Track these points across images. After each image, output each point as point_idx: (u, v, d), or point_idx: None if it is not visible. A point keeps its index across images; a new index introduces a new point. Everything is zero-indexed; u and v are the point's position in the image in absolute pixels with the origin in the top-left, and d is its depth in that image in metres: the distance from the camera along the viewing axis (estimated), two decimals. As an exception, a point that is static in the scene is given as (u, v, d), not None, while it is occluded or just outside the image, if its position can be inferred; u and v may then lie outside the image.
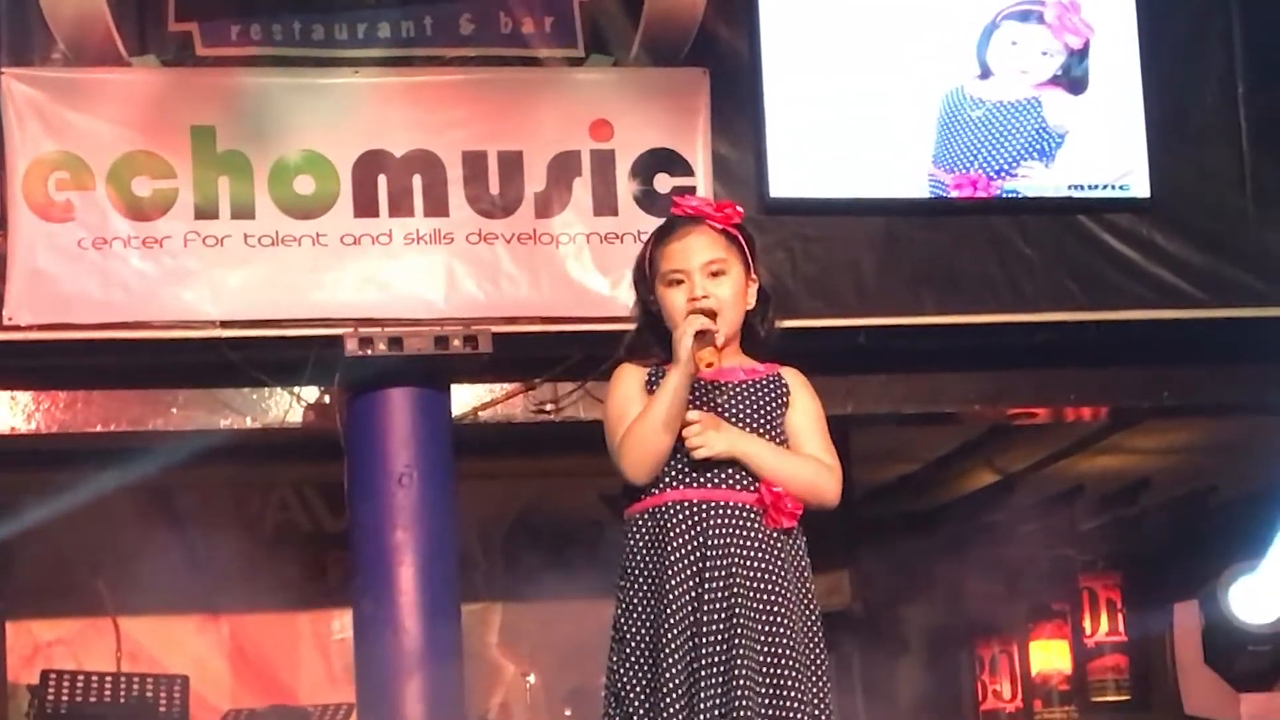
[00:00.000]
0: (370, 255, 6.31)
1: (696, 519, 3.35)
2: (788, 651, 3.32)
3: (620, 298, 5.99)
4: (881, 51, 6.65)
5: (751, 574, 3.33)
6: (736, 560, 3.33)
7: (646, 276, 3.48)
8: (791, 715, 3.29)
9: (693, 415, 3.34)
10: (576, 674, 8.25)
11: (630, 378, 3.45)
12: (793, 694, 3.30)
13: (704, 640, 3.29)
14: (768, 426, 3.42)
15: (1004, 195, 6.69)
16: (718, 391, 3.42)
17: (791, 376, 3.50)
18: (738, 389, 3.44)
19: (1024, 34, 6.74)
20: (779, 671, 3.31)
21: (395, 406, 6.36)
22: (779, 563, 3.35)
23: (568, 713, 8.73)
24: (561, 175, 6.41)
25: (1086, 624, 10.39)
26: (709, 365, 3.30)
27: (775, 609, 3.33)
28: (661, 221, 3.56)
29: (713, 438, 3.33)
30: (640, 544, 3.39)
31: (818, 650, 3.40)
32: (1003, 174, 6.68)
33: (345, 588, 6.90)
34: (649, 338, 3.47)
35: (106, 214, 6.19)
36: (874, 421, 7.25)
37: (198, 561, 9.11)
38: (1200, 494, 9.70)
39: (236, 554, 9.14)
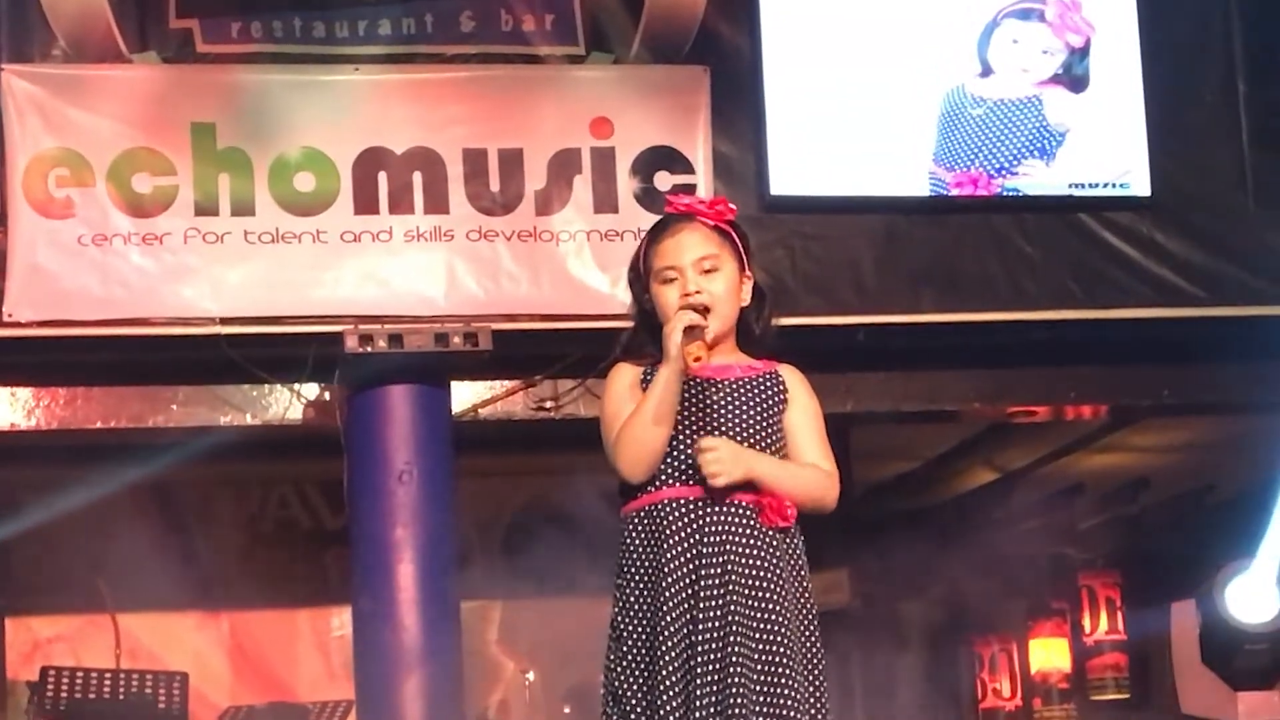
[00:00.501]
0: (370, 252, 6.31)
1: (692, 516, 3.34)
2: (783, 650, 3.32)
3: (620, 295, 5.97)
4: (882, 49, 6.65)
5: (747, 572, 3.33)
6: (732, 558, 3.32)
7: (641, 275, 3.48)
8: (787, 713, 3.29)
9: (709, 442, 3.32)
10: (576, 672, 8.25)
11: (624, 376, 3.45)
12: (788, 692, 3.30)
13: (699, 638, 3.28)
14: (765, 424, 3.41)
15: (1004, 193, 6.69)
16: (713, 389, 3.41)
17: (790, 374, 3.49)
18: (734, 386, 3.43)
19: (1025, 32, 6.74)
20: (774, 670, 3.30)
21: (395, 404, 6.36)
22: (775, 561, 3.35)
23: (567, 710, 8.73)
24: (562, 173, 6.41)
25: (1086, 622, 10.39)
26: (696, 360, 3.28)
27: (771, 607, 3.32)
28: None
29: (729, 465, 3.31)
30: (636, 542, 3.38)
31: (814, 648, 3.40)
32: (1003, 172, 6.68)
33: (345, 585, 6.90)
34: (644, 337, 3.47)
35: (107, 211, 6.19)
36: (874, 419, 7.25)
37: (197, 558, 9.13)
38: (1200, 492, 9.70)
39: (236, 551, 9.16)
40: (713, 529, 3.34)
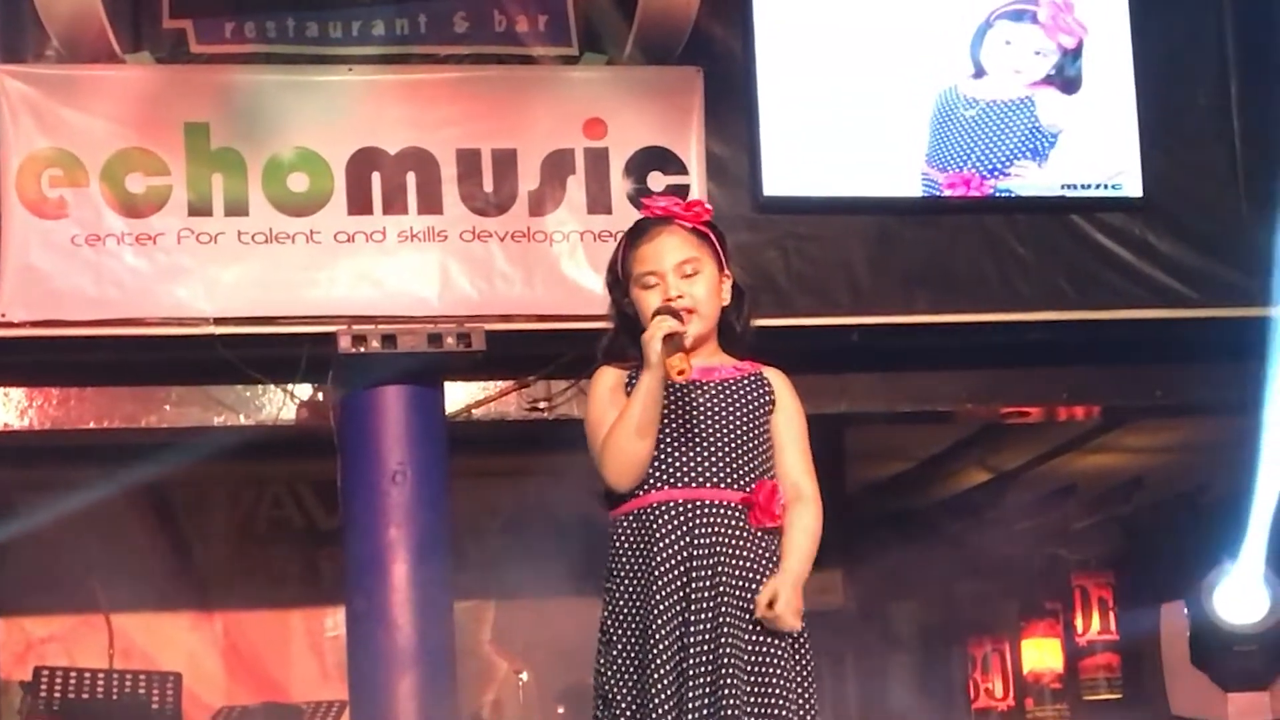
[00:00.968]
0: (364, 253, 6.31)
1: (682, 519, 3.34)
2: (775, 651, 3.32)
3: (614, 296, 5.99)
4: (875, 50, 6.65)
5: (738, 573, 3.33)
6: (723, 560, 3.33)
7: (620, 280, 3.48)
8: (779, 714, 3.29)
9: (766, 597, 3.30)
10: (570, 672, 8.25)
11: (608, 380, 3.44)
12: (780, 693, 3.31)
13: (691, 640, 3.29)
14: (750, 426, 3.41)
15: (997, 194, 6.70)
16: (697, 391, 3.41)
17: (775, 377, 3.49)
18: (718, 388, 3.43)
19: (1017, 33, 6.75)
20: (766, 671, 3.31)
21: (389, 404, 6.37)
22: (764, 561, 3.35)
23: (560, 710, 8.73)
24: (555, 173, 6.42)
25: (1078, 622, 10.41)
26: (680, 374, 3.27)
27: (761, 607, 3.34)
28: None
29: (797, 598, 3.32)
30: (626, 545, 3.38)
31: (803, 649, 3.41)
32: (996, 173, 6.69)
33: (338, 585, 6.90)
34: (625, 340, 3.47)
35: (100, 211, 6.19)
36: (867, 420, 7.26)
37: (191, 559, 9.13)
38: (1193, 493, 9.71)
39: (229, 551, 9.16)
40: (702, 531, 3.34)
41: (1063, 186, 6.73)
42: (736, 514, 3.35)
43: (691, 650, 3.28)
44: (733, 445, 3.38)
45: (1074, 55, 6.76)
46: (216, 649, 9.07)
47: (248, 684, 8.95)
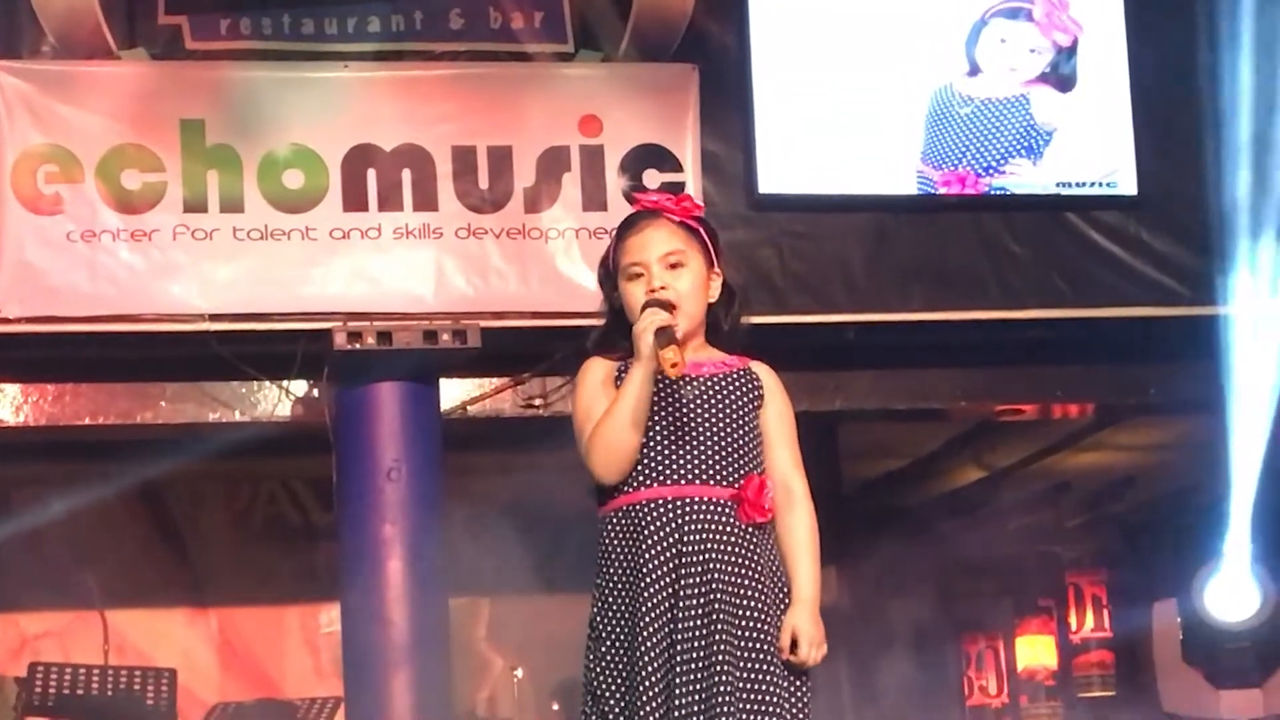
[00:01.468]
0: (359, 249, 6.31)
1: (671, 515, 3.34)
2: (768, 647, 3.32)
3: (609, 293, 5.99)
4: (870, 48, 6.66)
5: (729, 570, 3.33)
6: (714, 556, 3.32)
7: (611, 273, 3.49)
8: (771, 709, 3.29)
9: (787, 638, 3.31)
10: (564, 668, 8.25)
11: (597, 372, 3.44)
12: (772, 689, 3.31)
13: (681, 637, 3.28)
14: (739, 421, 3.41)
15: (992, 192, 6.71)
16: (686, 385, 3.40)
17: (764, 372, 3.49)
18: (707, 383, 3.42)
19: (1012, 31, 6.76)
20: (759, 667, 3.31)
21: (384, 401, 6.37)
22: (754, 558, 3.35)
23: (555, 707, 8.74)
24: (551, 170, 6.42)
25: (1072, 620, 10.42)
26: (674, 366, 3.27)
27: (753, 604, 3.33)
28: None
29: (819, 634, 3.35)
30: (615, 542, 3.38)
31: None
32: (991, 171, 6.70)
33: (333, 581, 6.90)
34: (615, 334, 3.47)
35: (95, 207, 6.19)
36: (862, 417, 7.26)
37: (186, 555, 9.13)
38: (1187, 491, 9.72)
39: (224, 548, 9.17)
40: (693, 527, 3.33)
41: (1057, 184, 6.73)
42: (726, 510, 3.35)
43: (680, 647, 3.28)
44: (721, 441, 3.38)
45: (1069, 53, 6.77)
46: (211, 645, 9.08)
47: (242, 680, 8.96)
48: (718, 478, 3.36)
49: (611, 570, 3.38)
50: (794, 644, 3.34)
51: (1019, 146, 6.71)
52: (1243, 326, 6.62)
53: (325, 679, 8.66)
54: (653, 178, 6.41)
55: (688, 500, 3.34)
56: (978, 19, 6.74)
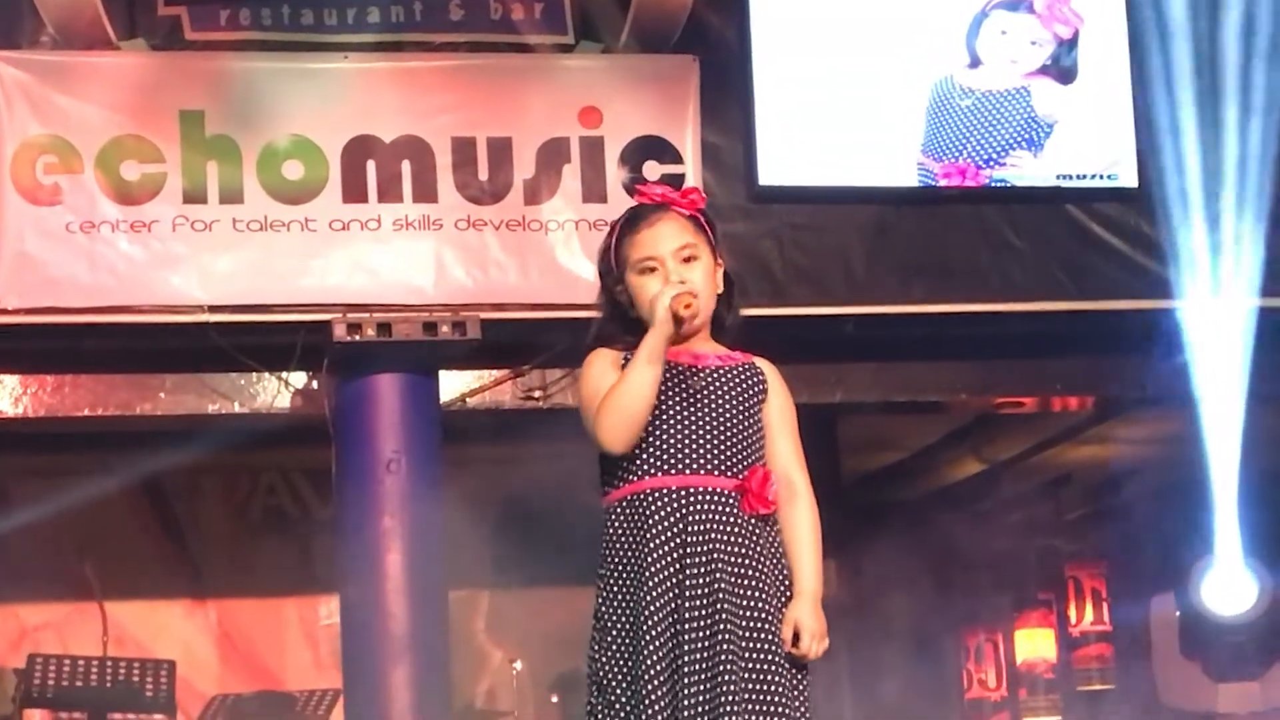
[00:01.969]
0: (359, 241, 6.31)
1: (676, 506, 3.34)
2: (771, 639, 3.32)
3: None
4: (871, 40, 6.65)
5: (733, 560, 3.33)
6: (718, 547, 3.32)
7: (613, 268, 3.47)
8: (774, 699, 3.30)
9: (788, 633, 3.32)
10: (564, 661, 8.25)
11: (605, 359, 3.43)
12: (776, 680, 3.31)
13: (686, 627, 3.28)
14: (746, 413, 3.41)
15: (993, 184, 6.70)
16: (695, 375, 3.41)
17: (766, 368, 3.49)
18: (712, 375, 3.43)
19: (1013, 23, 6.75)
20: (762, 659, 3.31)
21: (383, 392, 6.37)
22: (758, 549, 3.35)
23: (554, 699, 8.74)
24: (551, 162, 6.41)
25: (1072, 613, 10.42)
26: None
27: (757, 595, 3.32)
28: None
29: (821, 626, 3.35)
30: (619, 532, 3.38)
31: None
32: (991, 163, 6.69)
33: (332, 573, 6.91)
34: (616, 328, 3.46)
35: (95, 198, 6.18)
36: (862, 410, 7.26)
37: (185, 546, 9.13)
38: (1186, 485, 9.72)
39: (223, 539, 9.17)
40: (697, 517, 3.34)
41: (1058, 176, 6.73)
42: (729, 501, 3.35)
43: (685, 636, 3.28)
44: (726, 432, 3.38)
45: (1070, 45, 6.76)
46: (210, 637, 9.08)
47: (241, 672, 8.96)
48: (722, 468, 3.36)
49: (616, 560, 3.38)
50: (796, 637, 3.34)
51: (1019, 139, 6.70)
52: (1238, 320, 6.62)
53: (324, 671, 8.66)
54: (653, 169, 6.40)
55: (692, 490, 3.34)
56: (979, 11, 6.73)
